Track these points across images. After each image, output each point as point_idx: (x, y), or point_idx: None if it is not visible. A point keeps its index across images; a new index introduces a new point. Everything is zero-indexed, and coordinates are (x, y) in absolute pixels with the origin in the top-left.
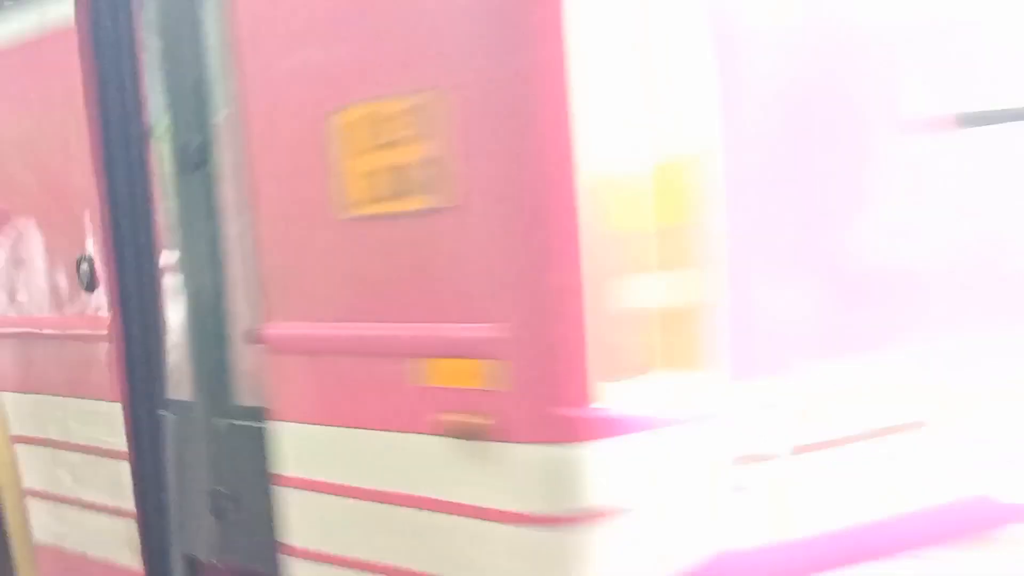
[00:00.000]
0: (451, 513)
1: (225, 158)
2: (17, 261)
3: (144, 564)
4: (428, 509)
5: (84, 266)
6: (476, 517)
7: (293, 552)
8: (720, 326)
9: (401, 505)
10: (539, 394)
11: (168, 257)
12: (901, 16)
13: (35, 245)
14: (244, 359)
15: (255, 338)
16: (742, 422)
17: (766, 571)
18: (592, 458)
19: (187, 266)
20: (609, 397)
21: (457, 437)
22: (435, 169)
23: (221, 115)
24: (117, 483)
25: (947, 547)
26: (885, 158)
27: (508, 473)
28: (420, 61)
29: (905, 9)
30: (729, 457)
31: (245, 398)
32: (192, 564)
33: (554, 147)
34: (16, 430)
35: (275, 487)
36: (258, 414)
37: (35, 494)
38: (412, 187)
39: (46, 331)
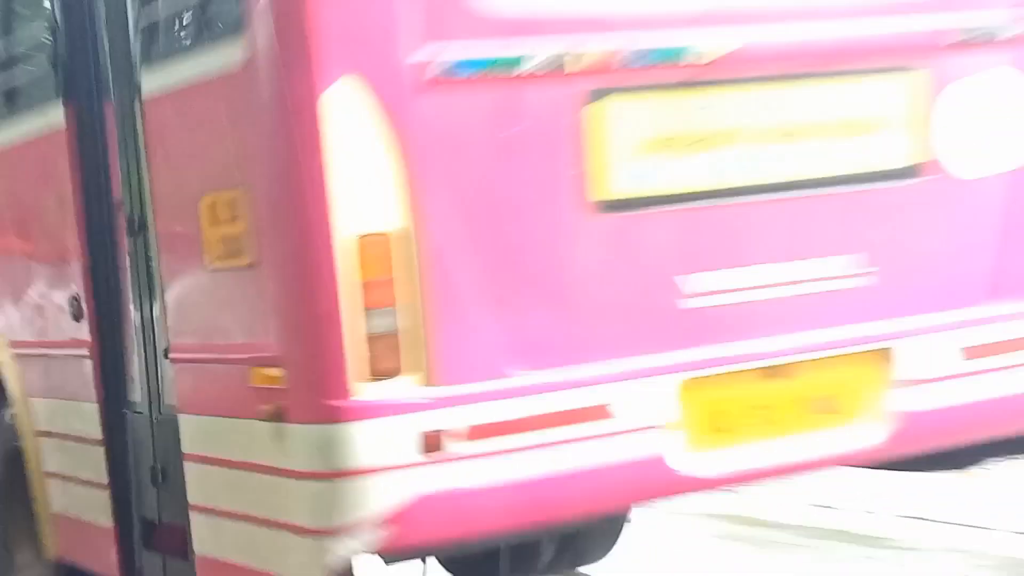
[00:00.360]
0: (266, 473)
1: (151, 227)
2: (34, 298)
3: (115, 524)
4: (253, 471)
5: (74, 303)
6: (279, 475)
7: (193, 507)
8: (441, 344)
9: (241, 469)
10: (312, 390)
11: (127, 295)
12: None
13: (44, 286)
14: (165, 370)
15: (166, 354)
16: (443, 409)
17: (451, 510)
18: (348, 433)
19: (135, 303)
20: (363, 392)
21: (268, 420)
22: (247, 238)
23: (148, 197)
24: (96, 463)
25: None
26: (555, 229)
27: (296, 444)
28: (237, 166)
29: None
30: (430, 432)
31: (167, 398)
32: (144, 522)
33: (317, 224)
34: (42, 425)
35: (183, 461)
36: (173, 409)
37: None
38: (238, 250)
39: (53, 351)
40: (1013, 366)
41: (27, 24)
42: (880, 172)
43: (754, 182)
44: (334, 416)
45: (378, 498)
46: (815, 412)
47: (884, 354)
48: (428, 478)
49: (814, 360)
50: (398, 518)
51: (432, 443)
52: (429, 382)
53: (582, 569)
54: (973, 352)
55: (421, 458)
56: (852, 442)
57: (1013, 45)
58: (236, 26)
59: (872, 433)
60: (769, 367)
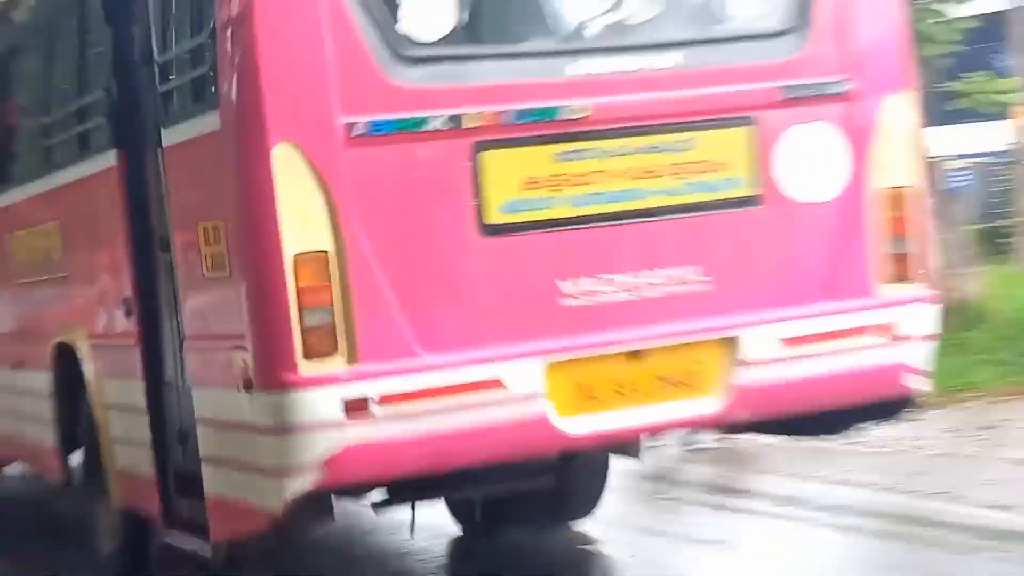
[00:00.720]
0: (243, 430)
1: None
2: (101, 301)
3: (156, 475)
4: (236, 428)
5: (125, 304)
6: (251, 431)
7: (202, 458)
8: (362, 334)
9: (228, 427)
10: (268, 367)
11: (161, 298)
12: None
13: (107, 291)
14: (186, 354)
15: (182, 343)
16: (361, 382)
17: (371, 457)
18: (297, 400)
19: (166, 303)
20: (304, 369)
21: (242, 390)
22: (226, 256)
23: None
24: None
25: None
26: (453, 247)
27: (258, 407)
28: (218, 202)
29: None
30: (352, 399)
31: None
32: (175, 473)
33: (269, 246)
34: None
35: (196, 424)
36: (189, 384)
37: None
38: (221, 264)
39: (114, 342)
40: (825, 353)
41: (90, 86)
42: (723, 200)
43: (615, 210)
44: (283, 386)
45: (315, 447)
46: (669, 387)
47: (726, 341)
48: (352, 433)
49: (666, 346)
50: (331, 462)
51: (353, 407)
52: (352, 362)
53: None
54: (791, 341)
55: (346, 418)
56: (699, 410)
57: (829, 102)
58: (214, 102)
59: (715, 403)
60: (630, 352)
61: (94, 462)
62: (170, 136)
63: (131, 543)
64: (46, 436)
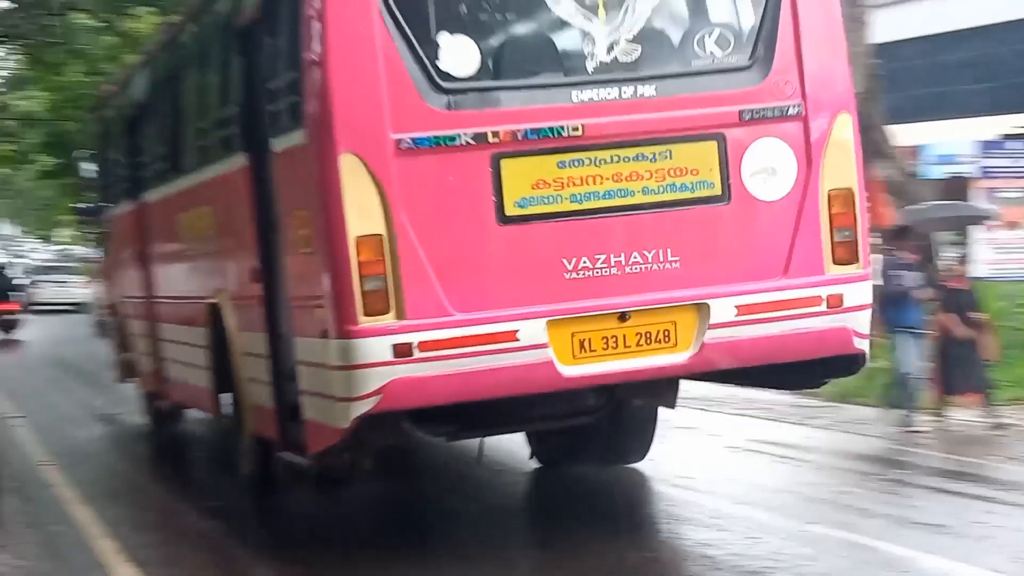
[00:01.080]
0: (323, 368)
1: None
2: (236, 269)
3: (275, 406)
4: (319, 367)
5: (253, 271)
6: (328, 369)
7: (301, 391)
8: (407, 297)
9: (314, 366)
10: (338, 321)
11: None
12: None
13: (241, 261)
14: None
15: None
16: (406, 333)
17: (412, 388)
18: (359, 345)
19: (279, 271)
20: (363, 323)
21: (321, 338)
22: (311, 237)
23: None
24: (266, 370)
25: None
26: (479, 233)
27: (332, 350)
28: (305, 196)
29: None
30: (399, 344)
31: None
32: (287, 404)
33: (338, 230)
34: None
35: (296, 364)
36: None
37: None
38: (308, 243)
39: (245, 302)
40: (771, 319)
41: (230, 102)
42: (696, 198)
43: (606, 205)
44: (348, 336)
45: (370, 381)
46: (652, 343)
47: (698, 307)
48: (398, 371)
49: (647, 310)
50: (382, 391)
51: (400, 351)
52: (400, 318)
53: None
54: (751, 308)
55: (394, 360)
56: (673, 360)
57: (784, 121)
58: (302, 121)
59: (687, 355)
60: (618, 313)
61: (235, 400)
62: (276, 145)
63: (260, 463)
64: (205, 380)
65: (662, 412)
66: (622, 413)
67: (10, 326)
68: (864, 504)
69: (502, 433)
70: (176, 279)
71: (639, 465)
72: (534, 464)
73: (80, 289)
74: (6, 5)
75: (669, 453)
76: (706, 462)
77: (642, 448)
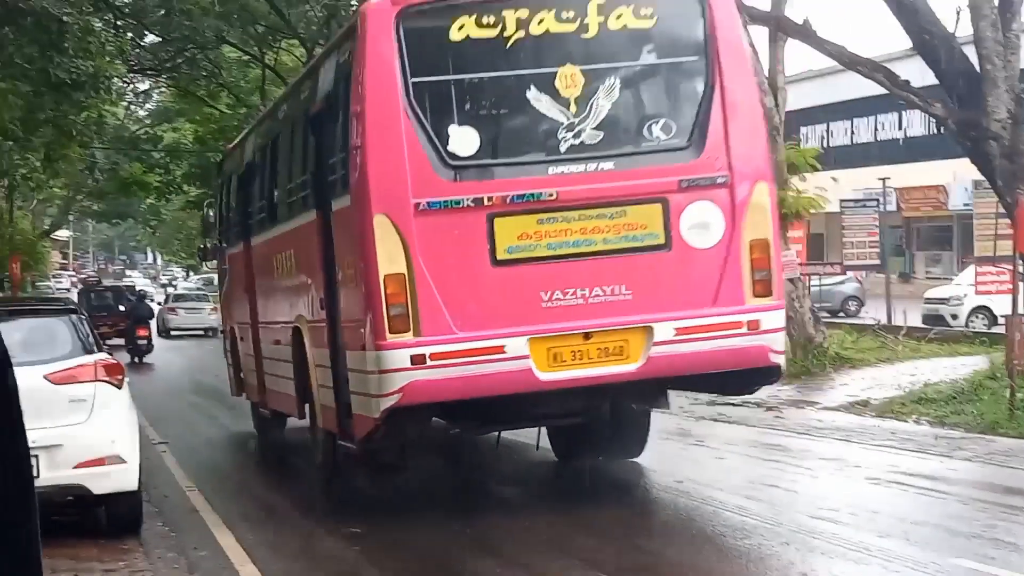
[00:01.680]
0: (363, 372)
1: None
2: (309, 299)
3: (336, 405)
4: (360, 372)
5: (320, 301)
6: (366, 373)
7: (351, 392)
8: (423, 320)
9: (357, 371)
10: (373, 337)
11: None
12: None
13: (313, 294)
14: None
15: (341, 327)
16: (420, 347)
17: (425, 388)
18: (386, 356)
19: (338, 301)
20: (390, 339)
21: (362, 350)
22: (354, 275)
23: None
24: (329, 377)
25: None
26: (478, 272)
27: (369, 359)
28: (349, 247)
29: None
30: (415, 355)
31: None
32: (344, 404)
33: (372, 270)
34: (315, 361)
35: (347, 371)
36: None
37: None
38: (352, 280)
39: (316, 324)
40: (703, 338)
41: (306, 169)
42: (645, 247)
43: (574, 252)
44: (379, 348)
45: (395, 382)
46: (608, 355)
47: (645, 329)
48: (415, 375)
49: (607, 331)
50: (403, 390)
51: (416, 360)
52: (416, 335)
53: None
54: (686, 330)
55: (411, 366)
56: (626, 370)
57: (714, 188)
58: (348, 189)
59: (636, 366)
60: (584, 333)
61: (311, 404)
62: (334, 206)
63: (328, 453)
64: (292, 389)
65: (813, 443)
66: (621, 415)
67: (142, 351)
68: (1012, 539)
69: (511, 428)
70: (272, 308)
71: (781, 494)
72: (546, 455)
73: (211, 316)
74: (153, 40)
75: (812, 484)
76: (849, 494)
77: (639, 445)
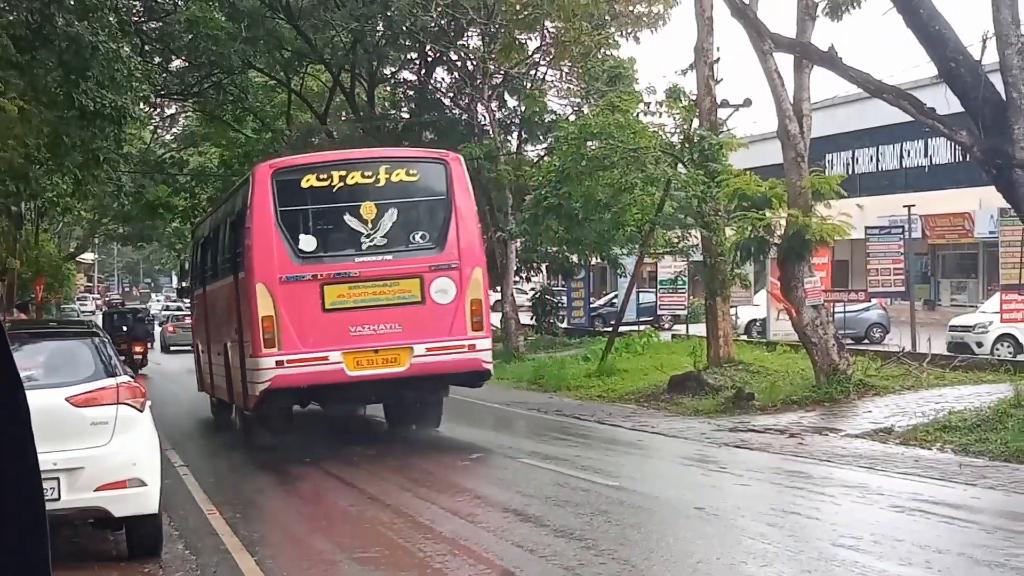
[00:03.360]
0: (250, 370)
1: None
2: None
3: (243, 389)
4: (250, 370)
5: (238, 332)
6: (253, 370)
7: (243, 381)
8: (282, 341)
9: (248, 369)
10: (253, 350)
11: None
12: None
13: (231, 324)
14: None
15: (245, 345)
16: (280, 355)
17: (282, 379)
18: (262, 360)
19: (242, 330)
20: (263, 352)
21: (249, 357)
22: (243, 323)
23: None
24: None
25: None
26: (314, 315)
27: (255, 363)
28: (242, 305)
29: None
30: (277, 360)
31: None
32: (246, 389)
33: (254, 313)
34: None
35: (245, 370)
36: (245, 356)
37: None
38: (247, 327)
39: (233, 343)
40: (443, 353)
41: (229, 248)
42: (410, 302)
43: (368, 304)
44: (258, 356)
45: (266, 375)
46: (388, 362)
47: (408, 348)
48: (277, 372)
49: (386, 347)
50: (271, 380)
51: (278, 363)
52: (279, 349)
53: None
54: (434, 349)
55: (275, 367)
56: (399, 370)
57: (450, 270)
58: (243, 266)
59: (405, 368)
60: (374, 350)
61: (230, 390)
62: (239, 275)
63: (241, 420)
64: (225, 383)
65: (835, 470)
66: (422, 401)
67: (137, 364)
68: None
69: (339, 406)
70: (214, 332)
71: (803, 522)
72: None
73: None
74: (180, 64)
75: (834, 512)
76: (871, 521)
77: (436, 421)
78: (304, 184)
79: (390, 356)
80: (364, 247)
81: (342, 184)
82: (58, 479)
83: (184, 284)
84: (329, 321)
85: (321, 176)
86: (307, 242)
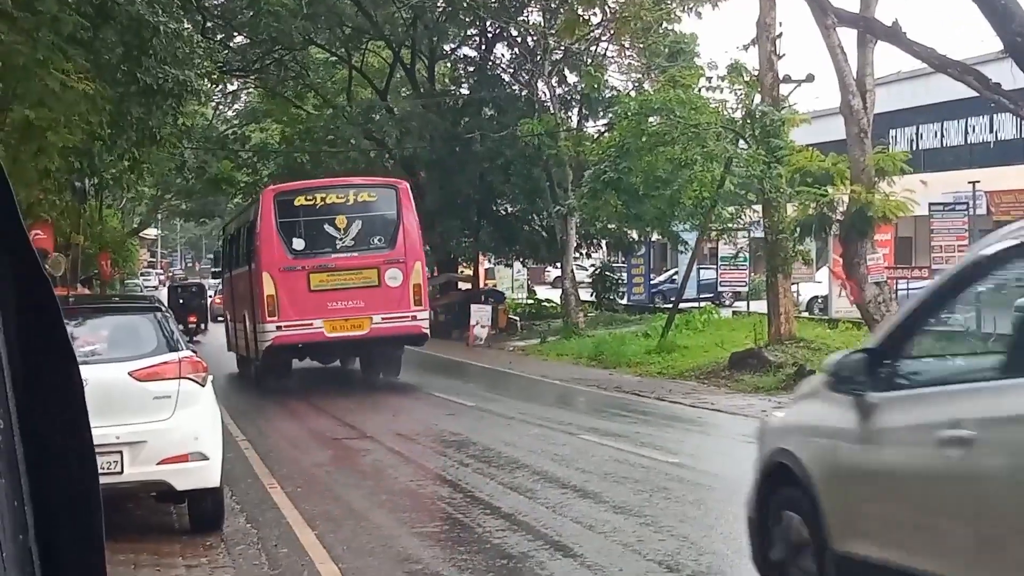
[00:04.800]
0: (260, 332)
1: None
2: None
3: (256, 346)
4: (260, 332)
5: (250, 304)
6: (261, 332)
7: (255, 340)
8: (282, 312)
9: (258, 332)
10: (262, 318)
11: None
12: None
13: (251, 299)
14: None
15: (255, 315)
16: (279, 323)
17: (282, 339)
18: (267, 326)
19: (259, 307)
20: (268, 320)
21: (259, 322)
22: (254, 297)
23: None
24: None
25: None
26: (302, 292)
27: (261, 327)
28: (253, 285)
29: None
30: (277, 326)
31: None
32: (257, 346)
33: (261, 292)
34: None
35: (257, 332)
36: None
37: None
38: (249, 297)
39: (249, 313)
40: (393, 322)
41: (246, 246)
42: (372, 286)
43: (342, 286)
44: (264, 322)
45: (269, 336)
46: (356, 327)
47: (370, 317)
48: (278, 333)
49: (353, 317)
50: (273, 339)
51: (278, 328)
52: (279, 318)
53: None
54: (387, 319)
55: (276, 331)
56: (362, 333)
57: (398, 264)
58: (253, 259)
59: (367, 332)
60: (345, 319)
61: (247, 348)
62: (252, 265)
63: (255, 369)
64: (244, 342)
65: None
66: (384, 355)
67: (191, 332)
68: None
69: (324, 360)
70: (237, 305)
71: None
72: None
73: None
74: (241, 41)
75: None
76: None
77: (396, 371)
78: (296, 203)
79: (356, 323)
80: (338, 247)
81: (323, 203)
82: (121, 453)
83: (216, 269)
84: (313, 299)
85: (308, 197)
86: (298, 243)
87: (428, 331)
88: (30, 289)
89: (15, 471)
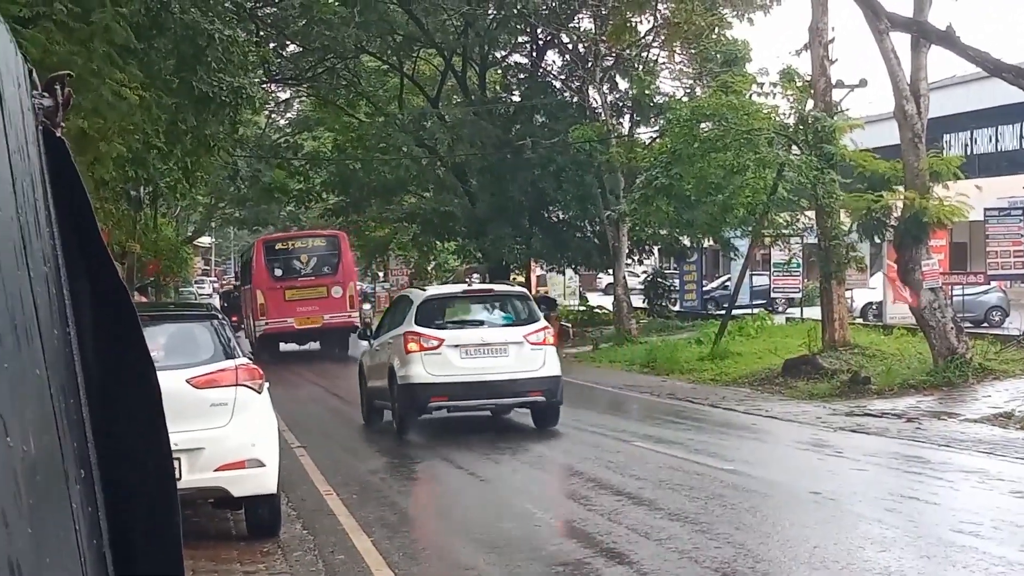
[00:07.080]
0: (257, 325)
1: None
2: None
3: (254, 336)
4: (257, 325)
5: (251, 308)
6: (256, 326)
7: (256, 331)
8: (269, 312)
9: (255, 326)
10: (255, 317)
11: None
12: None
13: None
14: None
15: (256, 320)
16: (268, 320)
17: (271, 330)
18: (259, 321)
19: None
20: (263, 318)
21: (256, 320)
22: (249, 304)
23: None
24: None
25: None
26: (280, 299)
27: (256, 324)
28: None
29: None
30: (268, 322)
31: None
32: (255, 333)
33: (255, 297)
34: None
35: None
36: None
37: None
38: (248, 302)
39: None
40: (338, 318)
41: (247, 271)
42: (323, 297)
43: (306, 299)
44: (257, 320)
45: (261, 328)
46: (313, 322)
47: (321, 316)
48: (266, 325)
49: (312, 316)
50: (264, 330)
51: (266, 324)
52: (266, 319)
53: None
54: (333, 317)
55: (266, 323)
56: (317, 325)
57: (340, 283)
58: (252, 280)
59: (321, 325)
60: (307, 316)
61: (252, 332)
62: (252, 283)
63: (256, 346)
64: (249, 330)
65: (954, 455)
66: (331, 337)
67: (235, 329)
68: None
69: (297, 344)
70: (245, 308)
71: (921, 507)
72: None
73: None
74: (294, 50)
75: (953, 497)
76: (991, 507)
77: (345, 348)
78: (277, 247)
79: (314, 320)
80: (302, 273)
81: (293, 247)
82: (179, 459)
83: (236, 284)
84: (287, 305)
85: (283, 243)
86: (278, 271)
87: (359, 324)
88: (108, 295)
89: (89, 476)
